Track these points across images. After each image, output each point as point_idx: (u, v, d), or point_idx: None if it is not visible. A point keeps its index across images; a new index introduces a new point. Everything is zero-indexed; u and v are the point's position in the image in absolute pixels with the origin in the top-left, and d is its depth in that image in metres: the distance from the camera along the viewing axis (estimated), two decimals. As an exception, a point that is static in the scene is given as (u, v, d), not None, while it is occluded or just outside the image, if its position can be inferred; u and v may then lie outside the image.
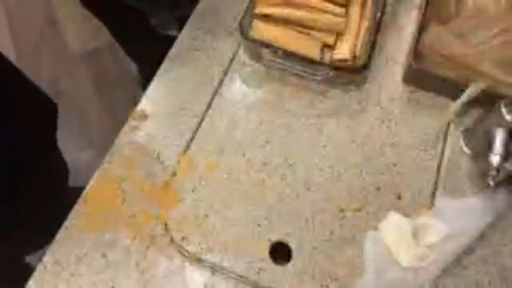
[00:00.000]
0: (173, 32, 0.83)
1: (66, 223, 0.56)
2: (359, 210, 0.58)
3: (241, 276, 0.54)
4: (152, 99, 0.65)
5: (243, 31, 0.63)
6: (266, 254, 0.55)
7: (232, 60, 0.68)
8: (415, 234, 0.55)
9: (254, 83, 0.67)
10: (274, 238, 0.56)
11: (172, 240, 0.56)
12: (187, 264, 0.55)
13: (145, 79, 1.09)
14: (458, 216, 0.56)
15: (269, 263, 0.55)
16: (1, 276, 0.86)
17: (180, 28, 0.74)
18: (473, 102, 0.60)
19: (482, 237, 0.56)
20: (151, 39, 0.89)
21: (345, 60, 0.63)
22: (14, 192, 0.69)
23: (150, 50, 0.93)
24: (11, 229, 0.74)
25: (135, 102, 0.65)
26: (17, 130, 0.69)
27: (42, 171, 0.77)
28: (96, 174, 0.60)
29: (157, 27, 0.84)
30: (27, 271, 0.55)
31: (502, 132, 0.55)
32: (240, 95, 0.66)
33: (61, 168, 0.89)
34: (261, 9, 0.65)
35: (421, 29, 0.65)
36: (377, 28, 0.65)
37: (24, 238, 0.85)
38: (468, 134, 0.62)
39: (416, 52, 0.64)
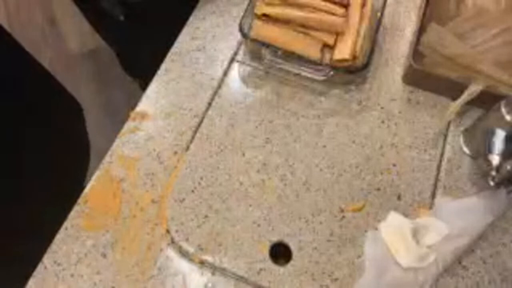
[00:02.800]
0: (119, 16, 0.82)
1: (66, 223, 0.56)
2: (359, 210, 0.58)
3: (241, 277, 0.54)
4: (152, 99, 0.65)
5: (243, 31, 0.63)
6: (266, 254, 0.55)
7: (232, 60, 0.68)
8: (415, 234, 0.55)
9: (254, 83, 0.67)
10: (274, 238, 0.56)
11: (172, 240, 0.56)
12: (187, 264, 0.55)
13: (122, 62, 1.09)
14: (458, 216, 0.56)
15: (269, 264, 0.55)
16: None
17: (124, 13, 0.74)
18: (473, 102, 0.60)
19: (482, 237, 0.56)
20: (107, 22, 0.88)
21: (345, 60, 0.63)
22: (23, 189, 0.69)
23: (112, 33, 0.93)
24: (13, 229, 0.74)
25: (135, 102, 0.65)
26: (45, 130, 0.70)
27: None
28: (96, 174, 0.60)
29: (106, 10, 0.84)
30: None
31: (502, 132, 0.55)
32: (240, 95, 0.66)
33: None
34: (261, 9, 0.65)
35: (421, 29, 0.65)
36: (377, 28, 0.65)
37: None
38: (468, 134, 0.62)
39: (416, 52, 0.64)
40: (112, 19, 0.82)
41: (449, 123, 0.64)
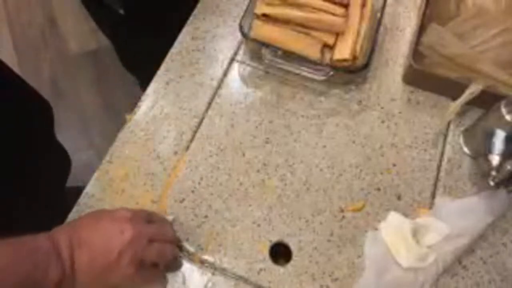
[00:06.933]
0: (117, 8, 0.82)
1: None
2: (359, 210, 0.58)
3: (241, 277, 0.54)
4: (152, 99, 0.65)
5: (243, 31, 0.63)
6: (266, 254, 0.55)
7: (232, 60, 0.68)
8: (415, 234, 0.55)
9: (254, 83, 0.67)
10: (274, 238, 0.56)
11: (172, 240, 0.56)
12: (187, 264, 0.55)
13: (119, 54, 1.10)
14: (458, 216, 0.56)
15: (269, 264, 0.55)
16: None
17: (123, 6, 0.74)
18: (473, 102, 0.60)
19: (482, 237, 0.56)
20: (108, 16, 0.88)
21: (345, 60, 0.63)
22: (11, 191, 0.69)
23: (113, 27, 0.94)
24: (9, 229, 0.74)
25: (135, 102, 0.65)
26: (12, 130, 0.69)
27: (39, 170, 0.77)
28: (96, 174, 0.60)
29: (106, 3, 0.84)
30: None
31: (502, 132, 0.55)
32: (240, 95, 0.66)
33: (60, 167, 0.89)
34: (261, 9, 0.65)
35: (421, 29, 0.65)
36: (377, 28, 0.65)
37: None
38: (468, 134, 0.62)
39: (416, 52, 0.64)
40: (113, 13, 0.82)
41: (449, 123, 0.64)
